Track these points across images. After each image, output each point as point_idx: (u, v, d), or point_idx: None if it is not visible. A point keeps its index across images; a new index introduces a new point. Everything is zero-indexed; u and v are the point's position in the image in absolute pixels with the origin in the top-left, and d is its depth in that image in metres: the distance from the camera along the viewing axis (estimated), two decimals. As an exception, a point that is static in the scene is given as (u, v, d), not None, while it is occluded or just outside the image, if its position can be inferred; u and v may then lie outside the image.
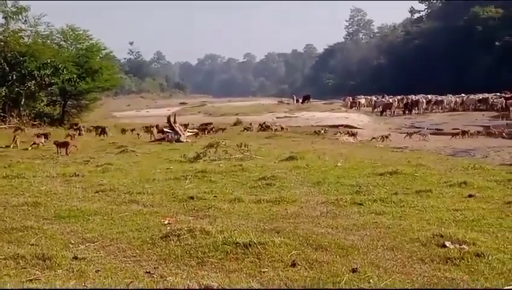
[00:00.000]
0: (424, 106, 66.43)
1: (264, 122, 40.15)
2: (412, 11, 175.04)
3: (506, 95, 66.49)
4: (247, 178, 15.71)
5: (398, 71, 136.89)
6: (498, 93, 69.52)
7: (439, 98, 70.27)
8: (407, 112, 63.72)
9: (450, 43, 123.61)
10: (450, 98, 69.96)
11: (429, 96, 72.30)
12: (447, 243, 8.39)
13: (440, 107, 66.11)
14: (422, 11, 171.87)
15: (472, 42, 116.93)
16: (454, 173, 16.18)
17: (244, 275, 7.32)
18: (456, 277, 7.17)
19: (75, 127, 38.12)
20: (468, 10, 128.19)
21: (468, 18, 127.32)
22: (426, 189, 13.18)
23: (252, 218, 10.54)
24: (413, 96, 74.43)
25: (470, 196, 12.36)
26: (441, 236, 8.75)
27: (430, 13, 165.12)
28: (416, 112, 64.30)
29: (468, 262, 7.68)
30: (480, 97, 69.40)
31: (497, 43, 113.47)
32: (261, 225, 9.79)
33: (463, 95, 72.42)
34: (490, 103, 65.98)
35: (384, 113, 62.76)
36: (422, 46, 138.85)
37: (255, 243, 8.31)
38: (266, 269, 7.54)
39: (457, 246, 8.29)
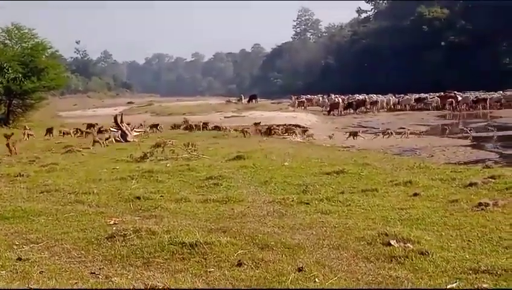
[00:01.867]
0: (368, 105, 67.14)
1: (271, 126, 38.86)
2: (359, 11, 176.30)
3: (442, 94, 67.94)
4: (194, 178, 15.70)
5: (346, 71, 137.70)
6: (442, 93, 70.62)
7: (374, 98, 71.25)
8: (351, 110, 64.39)
9: (397, 43, 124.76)
10: (382, 98, 71.05)
11: (373, 96, 73.14)
12: (392, 242, 8.46)
13: (375, 108, 66.87)
14: (369, 11, 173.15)
15: (418, 42, 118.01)
16: (399, 172, 16.32)
17: (190, 275, 7.32)
18: (401, 275, 7.25)
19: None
20: (414, 10, 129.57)
21: (414, 18, 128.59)
22: (372, 188, 13.29)
23: (198, 218, 10.54)
24: (358, 96, 75.32)
25: (415, 194, 12.48)
26: (386, 235, 8.82)
27: (377, 13, 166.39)
28: (364, 110, 65.00)
29: (412, 260, 7.76)
30: (417, 97, 70.73)
31: (442, 43, 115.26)
32: (208, 225, 9.78)
33: (408, 95, 73.46)
34: (426, 102, 67.86)
35: (331, 112, 63.17)
36: (369, 46, 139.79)
37: (201, 242, 8.31)
38: (212, 269, 7.54)
39: (402, 244, 8.37)
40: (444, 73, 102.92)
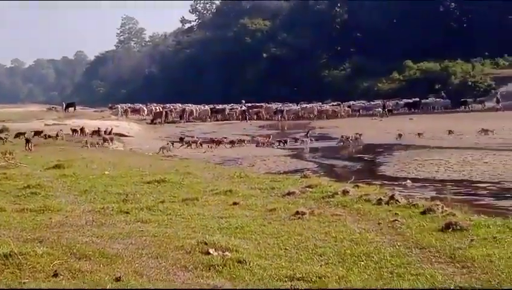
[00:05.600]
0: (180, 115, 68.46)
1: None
2: (183, 21, 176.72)
3: (248, 105, 71.08)
4: (11, 187, 15.25)
5: (170, 80, 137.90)
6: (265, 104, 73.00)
7: (191, 107, 72.96)
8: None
9: (220, 53, 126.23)
10: (195, 108, 72.74)
11: (189, 106, 74.31)
12: (211, 250, 8.56)
13: (191, 117, 68.51)
14: (193, 21, 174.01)
15: (241, 53, 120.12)
16: (220, 181, 16.53)
17: (4, 287, 7.10)
18: (218, 283, 7.34)
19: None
20: (237, 22, 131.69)
21: (237, 30, 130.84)
22: (193, 197, 13.39)
23: (14, 228, 10.24)
24: (174, 105, 76.22)
25: (235, 203, 12.68)
26: (205, 243, 8.92)
27: (200, 24, 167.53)
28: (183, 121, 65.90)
29: (230, 269, 7.88)
30: (218, 107, 72.96)
31: (265, 55, 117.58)
32: (23, 235, 9.54)
33: (229, 105, 75.19)
34: (228, 113, 71.39)
35: (154, 121, 63.12)
36: (193, 56, 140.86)
37: (15, 253, 8.07)
38: (27, 280, 7.36)
39: (221, 253, 8.48)
40: (266, 84, 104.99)
